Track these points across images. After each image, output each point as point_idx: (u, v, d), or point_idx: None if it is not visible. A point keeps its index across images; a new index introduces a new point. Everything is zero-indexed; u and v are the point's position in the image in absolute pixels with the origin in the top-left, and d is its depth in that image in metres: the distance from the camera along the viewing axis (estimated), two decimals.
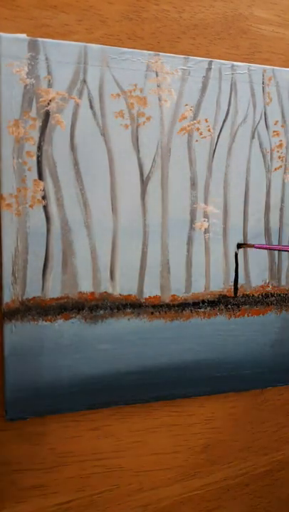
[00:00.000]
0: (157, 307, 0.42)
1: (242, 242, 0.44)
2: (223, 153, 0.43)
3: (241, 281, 0.45)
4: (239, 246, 0.40)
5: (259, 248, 0.40)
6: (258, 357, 0.46)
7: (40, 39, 0.36)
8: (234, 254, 0.44)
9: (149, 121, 0.40)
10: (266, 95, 0.44)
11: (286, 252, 0.46)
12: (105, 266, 0.40)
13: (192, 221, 0.42)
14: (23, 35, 0.36)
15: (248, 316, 0.45)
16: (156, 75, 0.40)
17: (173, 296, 0.42)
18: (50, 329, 0.39)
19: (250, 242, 0.44)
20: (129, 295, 0.41)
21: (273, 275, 0.46)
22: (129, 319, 0.41)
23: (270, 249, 0.40)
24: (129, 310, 0.41)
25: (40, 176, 0.38)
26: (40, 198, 0.38)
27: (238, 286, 0.44)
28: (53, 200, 0.38)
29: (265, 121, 0.44)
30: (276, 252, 0.45)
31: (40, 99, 0.37)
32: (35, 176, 0.37)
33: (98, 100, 0.38)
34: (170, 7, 0.40)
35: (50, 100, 0.37)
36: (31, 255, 0.38)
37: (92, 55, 0.38)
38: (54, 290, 0.39)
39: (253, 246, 0.39)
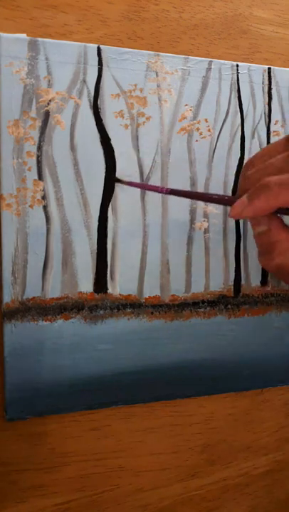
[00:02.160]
0: (157, 307, 0.42)
1: (240, 239, 0.44)
2: (223, 154, 0.43)
3: (241, 281, 0.45)
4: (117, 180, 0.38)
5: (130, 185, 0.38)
6: (258, 357, 0.46)
7: (40, 39, 0.36)
8: (234, 254, 0.44)
9: (149, 121, 0.40)
10: (266, 95, 0.44)
11: None
12: None
13: (192, 221, 0.42)
14: (23, 35, 0.36)
15: (247, 316, 0.45)
16: (156, 75, 0.40)
17: (173, 296, 0.42)
18: (50, 329, 0.39)
19: (249, 240, 0.44)
20: (129, 295, 0.41)
21: (273, 275, 0.46)
22: (129, 319, 0.41)
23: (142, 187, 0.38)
24: (129, 310, 0.41)
25: (40, 176, 0.38)
26: (40, 198, 0.38)
27: (239, 286, 0.44)
28: (52, 200, 0.38)
29: (265, 122, 0.44)
30: None
31: (40, 99, 0.37)
32: (35, 176, 0.37)
33: (98, 100, 0.38)
34: (170, 7, 0.40)
35: (50, 100, 0.37)
36: (31, 255, 0.38)
37: (92, 55, 0.38)
38: (54, 290, 0.39)
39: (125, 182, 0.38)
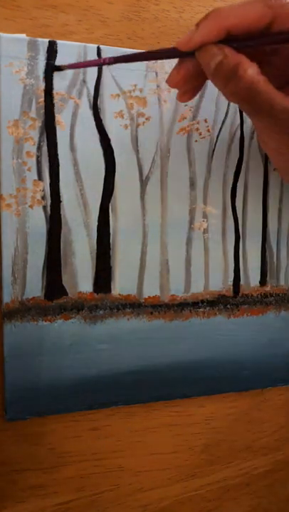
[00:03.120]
0: (156, 307, 0.42)
1: (239, 239, 0.44)
2: (222, 154, 0.43)
3: (240, 281, 0.45)
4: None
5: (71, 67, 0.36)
6: (258, 357, 0.46)
7: (40, 39, 0.36)
8: (233, 254, 0.44)
9: (149, 122, 0.40)
10: None
11: (284, 251, 0.46)
12: None
13: (191, 221, 0.42)
14: (23, 35, 0.36)
15: (247, 315, 0.45)
16: (156, 75, 0.40)
17: (172, 296, 0.42)
18: (50, 329, 0.39)
19: (248, 240, 0.44)
20: (129, 295, 0.41)
21: (272, 275, 0.46)
22: (128, 319, 0.41)
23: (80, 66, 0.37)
24: (128, 310, 0.41)
25: (40, 176, 0.38)
26: (40, 198, 0.38)
27: (238, 286, 0.44)
28: (52, 200, 0.38)
29: None
30: (275, 251, 0.45)
31: (40, 100, 0.37)
32: (35, 176, 0.37)
33: (98, 100, 0.38)
34: (170, 7, 0.41)
35: (50, 101, 0.37)
36: (31, 255, 0.38)
37: (92, 55, 0.38)
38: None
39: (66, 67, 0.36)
